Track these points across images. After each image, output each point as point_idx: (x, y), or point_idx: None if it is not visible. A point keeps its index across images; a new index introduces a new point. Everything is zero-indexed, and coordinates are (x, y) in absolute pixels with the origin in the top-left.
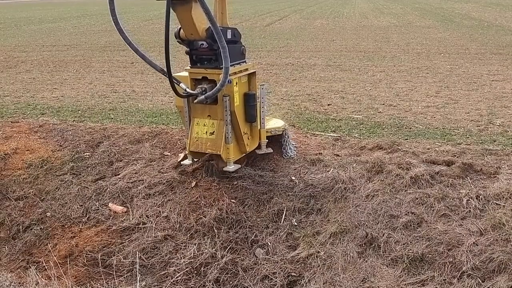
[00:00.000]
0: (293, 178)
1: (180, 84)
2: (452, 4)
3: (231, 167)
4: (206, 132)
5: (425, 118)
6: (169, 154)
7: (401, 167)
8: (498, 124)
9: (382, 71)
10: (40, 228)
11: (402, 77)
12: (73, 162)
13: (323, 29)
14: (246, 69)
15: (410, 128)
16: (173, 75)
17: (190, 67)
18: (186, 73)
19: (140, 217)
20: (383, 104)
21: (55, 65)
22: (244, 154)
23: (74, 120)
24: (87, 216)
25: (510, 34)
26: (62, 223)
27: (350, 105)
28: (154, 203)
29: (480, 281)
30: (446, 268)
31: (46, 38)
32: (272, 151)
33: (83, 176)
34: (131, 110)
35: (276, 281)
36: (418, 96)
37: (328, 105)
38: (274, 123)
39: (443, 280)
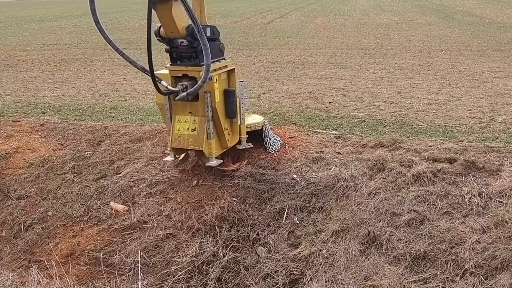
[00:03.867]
0: (295, 176)
1: (162, 82)
2: (453, 1)
3: (213, 162)
4: (188, 128)
5: (427, 115)
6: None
7: (403, 165)
8: (500, 121)
9: (383, 68)
10: (42, 227)
11: (403, 74)
12: (74, 161)
13: (324, 27)
14: (226, 66)
15: (412, 126)
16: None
17: (170, 65)
18: (166, 71)
19: (141, 216)
20: (385, 101)
21: (56, 64)
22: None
23: (75, 119)
24: (89, 215)
25: (511, 31)
26: (63, 222)
27: (351, 102)
28: (156, 201)
29: (483, 279)
30: (448, 266)
31: (47, 37)
32: (252, 146)
33: (84, 175)
34: (132, 109)
35: (278, 279)
36: (419, 94)
37: (330, 103)
38: (252, 119)
39: (446, 278)
